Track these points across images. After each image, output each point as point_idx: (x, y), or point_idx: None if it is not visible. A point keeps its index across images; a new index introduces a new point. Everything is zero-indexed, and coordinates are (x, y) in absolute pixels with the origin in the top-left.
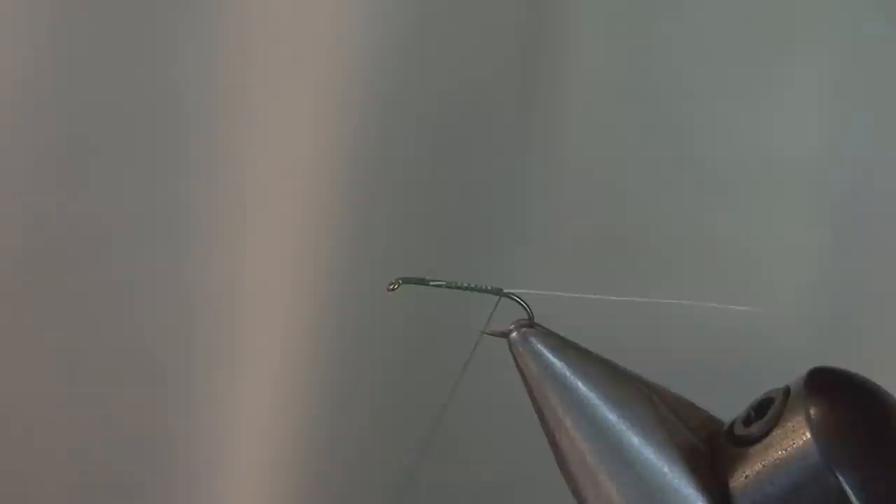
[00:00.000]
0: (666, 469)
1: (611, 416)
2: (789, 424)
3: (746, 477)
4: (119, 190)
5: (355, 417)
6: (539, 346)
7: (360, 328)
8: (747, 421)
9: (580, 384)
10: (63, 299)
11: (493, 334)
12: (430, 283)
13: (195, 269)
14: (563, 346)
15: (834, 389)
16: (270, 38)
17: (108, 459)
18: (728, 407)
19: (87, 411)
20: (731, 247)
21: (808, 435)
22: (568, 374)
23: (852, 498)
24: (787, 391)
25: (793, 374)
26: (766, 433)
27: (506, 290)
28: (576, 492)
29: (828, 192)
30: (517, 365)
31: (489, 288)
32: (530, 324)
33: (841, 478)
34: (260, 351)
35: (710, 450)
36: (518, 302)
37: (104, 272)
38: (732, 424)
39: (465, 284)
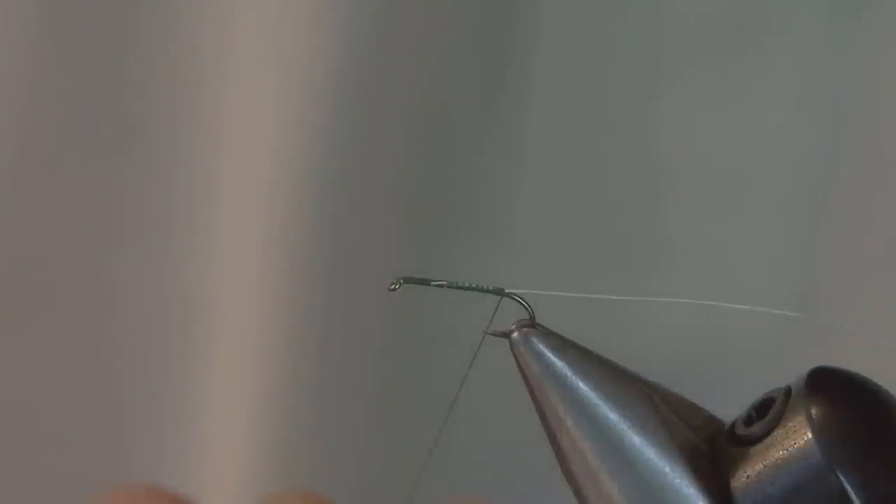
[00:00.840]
0: (667, 469)
1: (612, 415)
2: (790, 424)
3: (748, 477)
4: (82, 190)
5: (345, 423)
6: (540, 346)
7: (342, 329)
8: (748, 421)
9: (581, 384)
10: (27, 301)
11: (494, 334)
12: (432, 283)
13: (166, 269)
14: (565, 346)
15: (835, 389)
16: (240, 34)
17: (72, 470)
18: (730, 407)
19: (52, 415)
20: (702, 246)
21: (810, 435)
22: (569, 373)
23: (854, 498)
24: (788, 391)
25: (794, 373)
26: (768, 433)
27: (507, 290)
28: (577, 492)
29: (801, 192)
30: (518, 365)
31: (490, 288)
32: (531, 324)
33: (842, 478)
34: (235, 354)
35: (712, 450)
36: (519, 302)
37: (68, 273)
38: (733, 424)
39: (467, 285)
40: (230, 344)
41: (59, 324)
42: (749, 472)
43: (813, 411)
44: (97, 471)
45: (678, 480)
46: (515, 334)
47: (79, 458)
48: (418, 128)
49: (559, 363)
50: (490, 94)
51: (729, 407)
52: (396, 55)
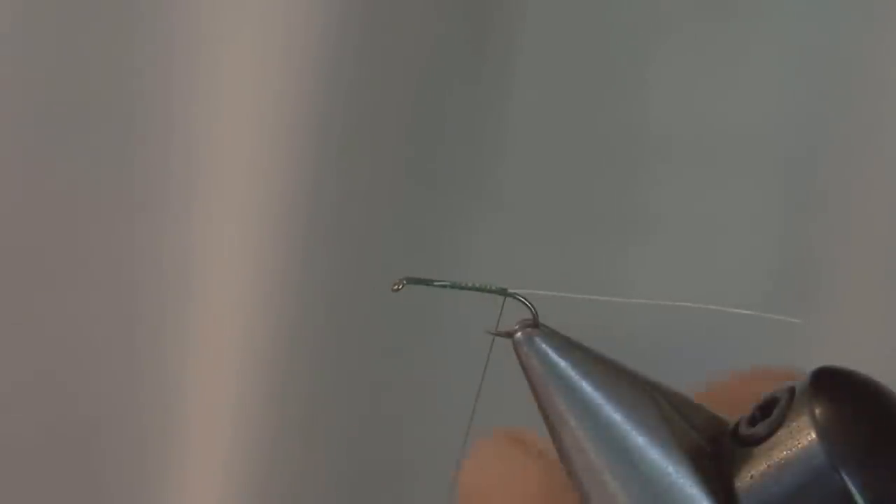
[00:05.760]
0: (671, 469)
1: (615, 415)
2: (794, 424)
3: (752, 477)
4: (72, 165)
5: (341, 423)
6: (543, 346)
7: (325, 317)
8: (752, 421)
9: (585, 384)
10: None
11: (498, 335)
12: (435, 283)
13: (153, 244)
14: (568, 346)
15: (839, 389)
16: (229, 14)
17: (41, 457)
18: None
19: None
20: (687, 217)
21: (813, 435)
22: (572, 374)
23: (857, 497)
24: (791, 391)
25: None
26: (771, 433)
27: (510, 290)
28: (580, 492)
29: (788, 164)
30: (522, 365)
31: (494, 288)
32: (535, 324)
33: (846, 477)
34: (227, 352)
35: (715, 450)
36: (522, 302)
37: (52, 246)
38: (737, 424)
39: (470, 285)
40: (223, 340)
41: (28, 295)
42: (753, 472)
43: (816, 411)
44: (55, 457)
45: (682, 480)
46: (519, 334)
47: (33, 449)
48: (407, 103)
49: (562, 363)
50: (475, 64)
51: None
52: (389, 38)
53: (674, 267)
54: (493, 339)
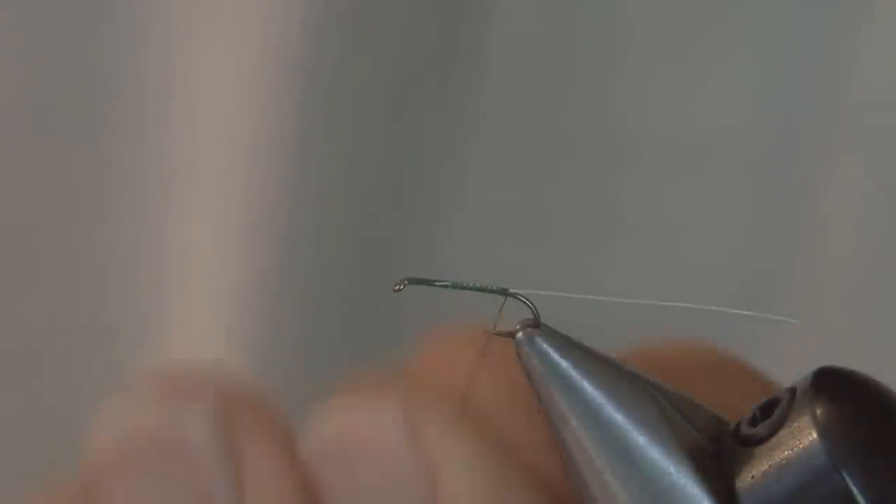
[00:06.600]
0: (672, 469)
1: (617, 415)
2: (795, 425)
3: (753, 477)
4: (44, 165)
5: None
6: (545, 346)
7: (304, 320)
8: (753, 421)
9: (586, 384)
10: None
11: (498, 335)
12: (436, 283)
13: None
14: (570, 346)
15: (840, 389)
16: (205, 12)
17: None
18: None
19: None
20: (663, 219)
21: (814, 435)
22: (574, 374)
23: (858, 498)
24: (792, 391)
25: (794, 375)
26: (773, 433)
27: (511, 290)
28: (582, 492)
29: (764, 164)
30: (523, 365)
31: (494, 288)
32: (536, 324)
33: (847, 478)
34: (196, 344)
35: (717, 450)
36: (524, 302)
37: (22, 247)
38: (738, 425)
39: (471, 285)
40: (200, 343)
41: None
42: (754, 473)
43: (818, 411)
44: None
45: (683, 480)
46: (520, 334)
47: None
48: (386, 105)
49: (564, 363)
50: (445, 66)
51: None
52: (362, 38)
53: (666, 268)
54: (488, 338)
